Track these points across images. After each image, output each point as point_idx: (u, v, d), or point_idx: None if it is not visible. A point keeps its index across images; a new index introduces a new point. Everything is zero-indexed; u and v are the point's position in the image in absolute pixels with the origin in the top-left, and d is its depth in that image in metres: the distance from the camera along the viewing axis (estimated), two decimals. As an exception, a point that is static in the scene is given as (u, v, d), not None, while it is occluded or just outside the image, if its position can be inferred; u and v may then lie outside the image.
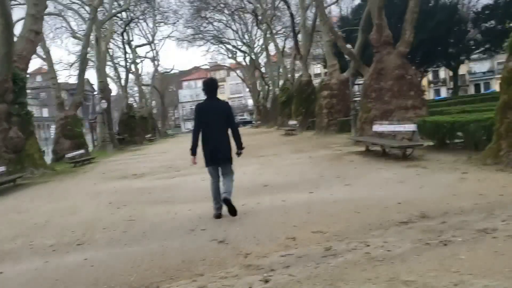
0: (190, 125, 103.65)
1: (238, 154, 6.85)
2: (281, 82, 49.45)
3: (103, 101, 34.20)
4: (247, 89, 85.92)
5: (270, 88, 55.12)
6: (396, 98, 15.25)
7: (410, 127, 11.01)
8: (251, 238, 5.53)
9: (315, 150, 16.24)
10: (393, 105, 15.23)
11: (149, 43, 50.71)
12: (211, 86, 6.80)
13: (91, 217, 8.06)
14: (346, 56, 20.41)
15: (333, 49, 25.11)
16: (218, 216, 6.66)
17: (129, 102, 45.59)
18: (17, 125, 18.45)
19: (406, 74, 15.40)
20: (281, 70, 47.30)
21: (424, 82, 72.41)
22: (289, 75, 40.31)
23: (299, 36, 32.58)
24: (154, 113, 62.92)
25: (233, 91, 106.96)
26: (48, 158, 27.68)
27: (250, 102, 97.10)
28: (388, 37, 15.83)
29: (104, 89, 35.60)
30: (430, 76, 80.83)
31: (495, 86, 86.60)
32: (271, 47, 57.25)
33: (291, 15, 30.73)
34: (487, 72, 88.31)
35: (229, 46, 59.97)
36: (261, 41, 58.43)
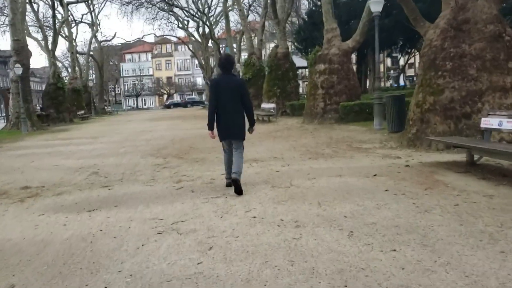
0: (132, 102, 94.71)
1: (250, 131, 6.99)
2: (243, 57, 42.68)
3: (18, 65, 26.06)
4: (197, 65, 78.08)
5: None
6: (489, 72, 9.01)
7: None
8: None
9: (343, 154, 9.75)
10: (483, 83, 8.98)
11: (85, 1, 42.05)
12: (225, 62, 6.80)
13: None
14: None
15: (332, 8, 18.60)
16: (230, 184, 6.67)
17: (57, 71, 37.06)
18: None
19: (504, 33, 9.19)
20: (243, 42, 40.52)
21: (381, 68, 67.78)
22: (256, 48, 33.50)
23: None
24: (90, 87, 54.15)
25: (181, 67, 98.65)
26: None
27: (199, 80, 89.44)
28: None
29: (21, 50, 27.37)
30: (388, 61, 76.57)
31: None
32: (232, 16, 50.32)
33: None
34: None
35: (181, 13, 52.12)
36: (219, 10, 51.30)
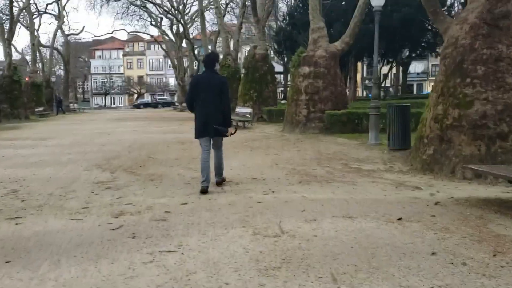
0: (100, 100, 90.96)
1: (224, 132, 6.73)
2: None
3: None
4: (170, 66, 75.30)
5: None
6: (532, 82, 7.06)
7: None
8: None
9: (341, 177, 7.61)
10: (525, 96, 7.03)
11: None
12: (206, 59, 6.93)
13: None
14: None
15: (320, 5, 16.60)
16: (205, 190, 6.42)
17: (13, 62, 33.96)
18: None
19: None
20: (219, 42, 38.26)
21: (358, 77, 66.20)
22: (232, 50, 31.27)
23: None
24: (53, 82, 50.79)
25: (153, 67, 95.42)
26: None
27: (172, 80, 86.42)
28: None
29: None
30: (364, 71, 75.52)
31: (429, 89, 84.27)
32: (207, 16, 48.02)
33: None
34: (421, 74, 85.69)
35: (154, 10, 49.46)
36: (194, 9, 48.92)
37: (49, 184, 7.64)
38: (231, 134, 7.03)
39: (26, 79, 40.21)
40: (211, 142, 6.77)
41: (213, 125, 6.55)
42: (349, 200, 5.91)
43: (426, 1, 8.65)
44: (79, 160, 10.51)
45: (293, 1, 37.20)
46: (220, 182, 7.01)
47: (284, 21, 35.53)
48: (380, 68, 62.58)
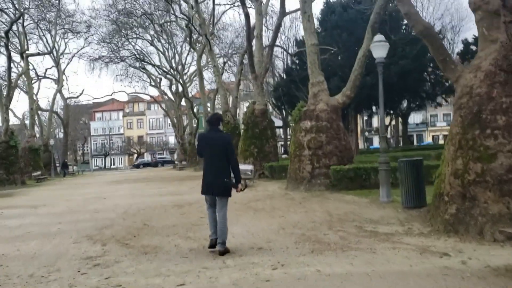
0: (100, 161, 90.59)
1: (236, 188, 6.74)
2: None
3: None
4: (169, 124, 75.59)
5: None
6: (560, 131, 6.45)
7: None
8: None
9: (357, 244, 6.79)
10: (553, 147, 6.39)
11: (49, 53, 39.40)
12: (211, 118, 7.11)
13: None
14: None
15: (319, 60, 16.33)
16: (213, 245, 6.65)
17: (10, 127, 33.65)
18: None
19: None
20: (218, 100, 38.28)
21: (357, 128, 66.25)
22: (231, 106, 31.12)
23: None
24: (51, 146, 50.49)
25: (153, 126, 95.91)
26: None
27: (171, 139, 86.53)
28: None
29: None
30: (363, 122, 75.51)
31: (429, 139, 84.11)
32: (205, 74, 48.40)
33: (247, 16, 21.69)
34: (420, 124, 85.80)
35: (153, 71, 49.96)
36: (192, 69, 49.45)
37: (31, 262, 6.85)
38: (241, 190, 6.86)
39: (27, 141, 40.00)
40: (216, 200, 6.76)
41: (218, 183, 6.58)
42: (371, 274, 5.12)
43: (435, 50, 8.20)
44: (69, 231, 9.71)
45: (289, 58, 37.51)
46: (223, 252, 6.49)
47: (282, 78, 35.75)
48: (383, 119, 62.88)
